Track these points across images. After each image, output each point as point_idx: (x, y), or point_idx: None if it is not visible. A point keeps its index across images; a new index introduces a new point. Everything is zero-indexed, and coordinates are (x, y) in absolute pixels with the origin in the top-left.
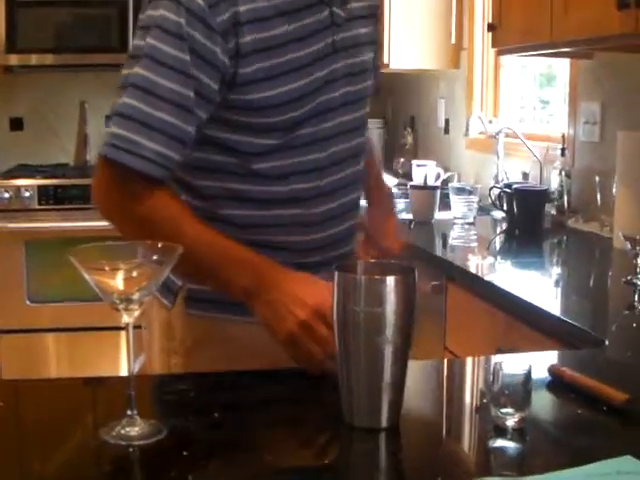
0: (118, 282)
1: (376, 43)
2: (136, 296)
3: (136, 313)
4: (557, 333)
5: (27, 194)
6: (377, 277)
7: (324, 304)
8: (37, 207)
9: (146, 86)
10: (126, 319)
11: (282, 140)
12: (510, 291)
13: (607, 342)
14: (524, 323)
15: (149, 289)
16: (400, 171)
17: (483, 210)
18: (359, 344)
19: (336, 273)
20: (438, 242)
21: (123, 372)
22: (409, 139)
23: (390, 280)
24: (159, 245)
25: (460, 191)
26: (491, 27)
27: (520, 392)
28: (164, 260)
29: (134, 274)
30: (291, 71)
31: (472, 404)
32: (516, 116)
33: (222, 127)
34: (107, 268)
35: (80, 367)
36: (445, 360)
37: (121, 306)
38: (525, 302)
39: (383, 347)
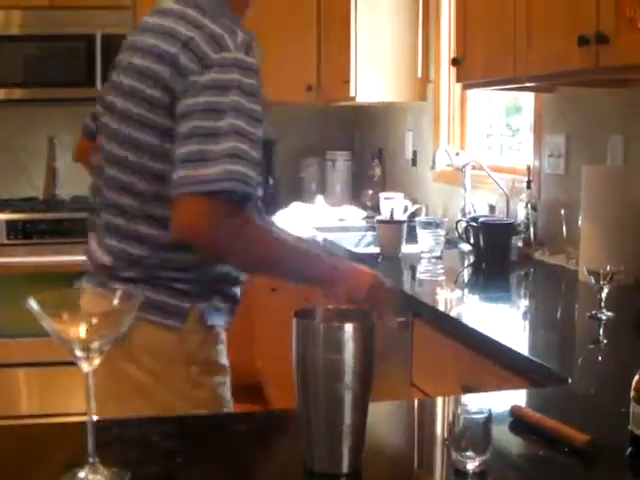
0: (78, 330)
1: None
2: (96, 345)
3: (96, 361)
4: (523, 370)
5: None
6: (335, 324)
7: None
8: (6, 242)
9: (243, 133)
10: (85, 368)
11: None
12: (476, 328)
13: (571, 380)
14: (490, 360)
15: (110, 337)
16: (368, 204)
17: (451, 243)
18: (319, 390)
19: (295, 320)
20: (405, 277)
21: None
22: (377, 171)
23: (348, 327)
24: (119, 292)
25: (427, 225)
26: (455, 62)
27: (480, 435)
28: (125, 308)
29: (94, 321)
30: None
31: (434, 447)
32: (484, 145)
33: None
34: (66, 316)
35: (51, 402)
36: (408, 402)
37: (81, 354)
38: (491, 340)
39: (343, 393)
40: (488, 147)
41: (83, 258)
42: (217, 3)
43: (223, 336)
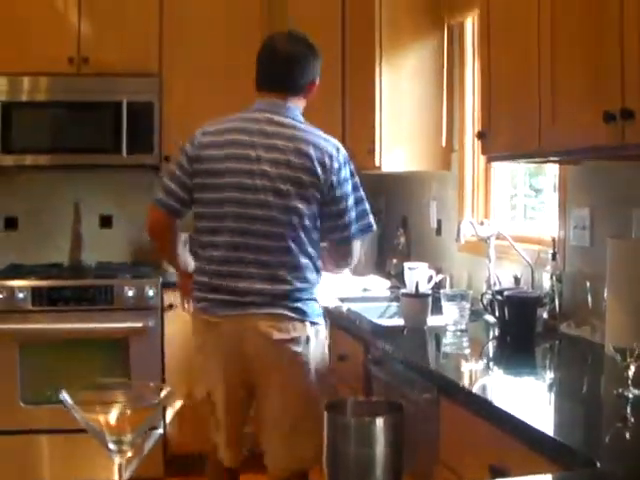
0: (109, 420)
1: None
2: (128, 437)
3: (129, 454)
4: (550, 450)
5: (21, 295)
6: (367, 419)
7: None
8: (31, 308)
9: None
10: (117, 461)
11: None
12: (502, 407)
13: (599, 464)
14: (517, 439)
15: (142, 430)
16: (392, 272)
17: (476, 314)
18: None
19: (326, 414)
20: (430, 350)
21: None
22: (402, 239)
23: (379, 421)
24: (152, 385)
25: (452, 297)
26: (481, 135)
27: None
28: (160, 402)
29: (128, 413)
30: None
31: None
32: (508, 207)
33: None
34: (98, 406)
35: (74, 469)
36: None
37: (113, 447)
38: (517, 419)
39: None
40: (512, 206)
41: (107, 325)
42: None
43: None
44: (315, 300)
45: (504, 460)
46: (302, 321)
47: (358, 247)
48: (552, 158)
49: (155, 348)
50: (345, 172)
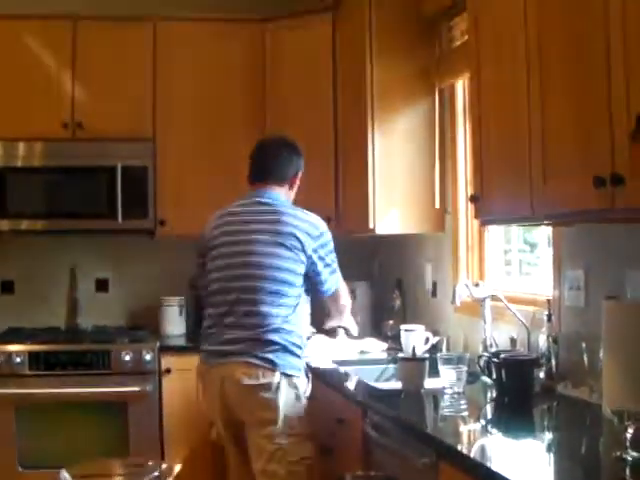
0: None
1: None
2: None
3: None
4: None
5: (18, 359)
6: None
7: None
8: (28, 372)
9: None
10: None
11: None
12: (501, 473)
13: None
14: None
15: None
16: (389, 334)
17: (473, 375)
18: None
19: None
20: (428, 413)
21: None
22: (397, 302)
23: None
24: (151, 463)
25: (449, 360)
26: (473, 199)
27: None
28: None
29: None
30: None
31: None
32: (503, 269)
33: None
34: None
35: None
36: None
37: None
38: None
39: None
40: (507, 262)
41: (105, 389)
42: None
43: None
44: (293, 354)
45: None
46: (272, 370)
47: (342, 293)
48: (544, 222)
49: (153, 412)
50: (325, 238)
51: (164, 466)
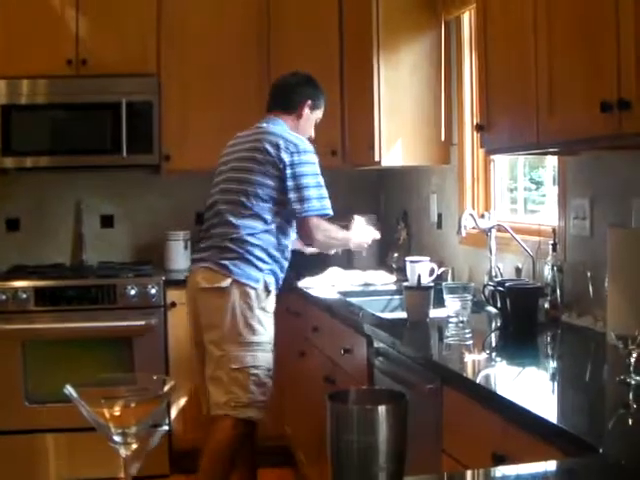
0: (114, 412)
1: None
2: (133, 430)
3: (133, 446)
4: (553, 438)
5: (24, 296)
6: (369, 407)
7: None
8: (34, 308)
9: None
10: (123, 453)
11: None
12: (505, 396)
13: (601, 450)
14: (520, 427)
15: (147, 423)
16: (394, 266)
17: (478, 305)
18: (353, 472)
19: (328, 403)
20: (433, 342)
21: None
22: (402, 234)
23: (382, 409)
24: (155, 378)
25: (454, 290)
26: (479, 128)
27: None
28: (164, 395)
29: (132, 405)
30: None
31: None
32: (508, 207)
33: None
34: (103, 400)
35: (79, 467)
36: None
37: (119, 439)
38: (520, 407)
39: (377, 474)
40: (512, 200)
41: (111, 323)
42: None
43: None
44: (252, 265)
45: (507, 448)
46: (225, 276)
47: (317, 226)
48: (551, 150)
49: (159, 346)
50: (304, 157)
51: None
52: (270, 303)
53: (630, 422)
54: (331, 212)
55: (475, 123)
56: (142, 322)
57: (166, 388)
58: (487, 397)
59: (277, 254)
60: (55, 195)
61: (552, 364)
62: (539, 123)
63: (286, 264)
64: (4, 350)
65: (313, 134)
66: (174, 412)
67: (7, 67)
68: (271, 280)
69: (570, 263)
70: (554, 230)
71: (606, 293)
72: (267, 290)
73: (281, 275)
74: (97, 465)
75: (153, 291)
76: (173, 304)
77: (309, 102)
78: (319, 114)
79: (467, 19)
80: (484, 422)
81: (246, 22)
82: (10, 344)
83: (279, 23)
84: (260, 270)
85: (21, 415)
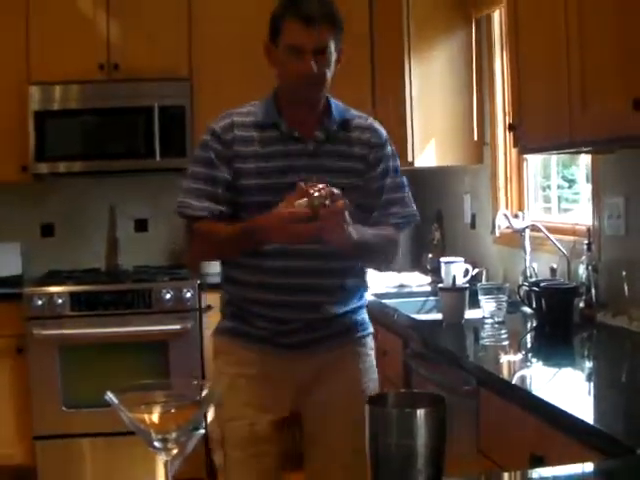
0: (154, 418)
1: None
2: (173, 435)
3: (174, 452)
4: (590, 438)
5: (59, 301)
6: (408, 410)
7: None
8: (69, 313)
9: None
10: (164, 458)
11: None
12: (542, 397)
13: (639, 451)
14: (557, 428)
15: (187, 429)
16: (429, 267)
17: (513, 305)
18: (392, 475)
19: (367, 406)
20: (469, 343)
21: (159, 477)
22: (436, 235)
23: (420, 413)
24: (196, 382)
25: (489, 290)
26: (511, 127)
27: None
28: (203, 400)
29: (172, 411)
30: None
31: None
32: (541, 206)
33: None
34: (143, 405)
35: (116, 472)
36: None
37: (159, 445)
38: (557, 408)
39: (416, 478)
40: (545, 198)
41: (146, 328)
42: None
43: None
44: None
45: (544, 449)
46: None
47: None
48: (584, 148)
49: (194, 350)
50: None
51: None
52: None
53: None
54: (188, 211)
55: (507, 122)
56: (178, 326)
57: (204, 393)
58: (524, 398)
59: None
60: (89, 200)
61: (588, 364)
62: (572, 121)
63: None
64: (41, 355)
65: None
66: (210, 415)
67: (40, 73)
68: None
69: (605, 262)
70: (588, 230)
71: None
72: None
73: None
74: (134, 469)
75: (188, 295)
76: (209, 307)
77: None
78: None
79: (497, 17)
80: (521, 423)
81: None
82: (47, 349)
83: None
84: None
85: (59, 420)
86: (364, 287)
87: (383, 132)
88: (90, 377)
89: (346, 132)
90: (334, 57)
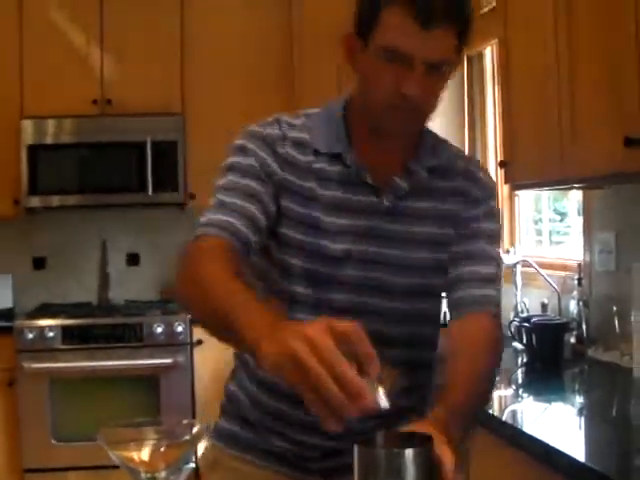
0: (144, 457)
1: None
2: (163, 474)
3: None
4: (580, 476)
5: (51, 334)
6: (395, 450)
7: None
8: (61, 347)
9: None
10: None
11: None
12: (534, 435)
13: None
14: (547, 465)
15: (176, 467)
16: None
17: (504, 341)
18: None
19: (356, 447)
20: None
21: None
22: None
23: (409, 453)
24: (185, 422)
25: None
26: (503, 164)
27: None
28: (193, 439)
29: (162, 449)
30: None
31: None
32: (533, 239)
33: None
34: (132, 443)
35: None
36: None
37: None
38: (548, 445)
39: None
40: (537, 231)
41: (137, 362)
42: None
43: None
44: None
45: None
46: None
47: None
48: (575, 185)
49: (185, 383)
50: None
51: (197, 428)
52: None
53: None
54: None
55: (499, 159)
56: (169, 360)
57: (194, 431)
58: (515, 436)
59: None
60: (81, 233)
61: (579, 400)
62: (563, 158)
63: None
64: (32, 388)
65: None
66: (201, 450)
67: (34, 107)
68: None
69: (596, 297)
70: (579, 265)
71: (632, 327)
72: None
73: None
74: None
75: (180, 329)
76: (200, 341)
77: None
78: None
79: (489, 54)
80: (513, 461)
81: (272, 60)
82: (38, 382)
83: (305, 58)
84: None
85: (49, 453)
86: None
87: (490, 183)
88: (80, 410)
89: (439, 180)
90: (450, 75)
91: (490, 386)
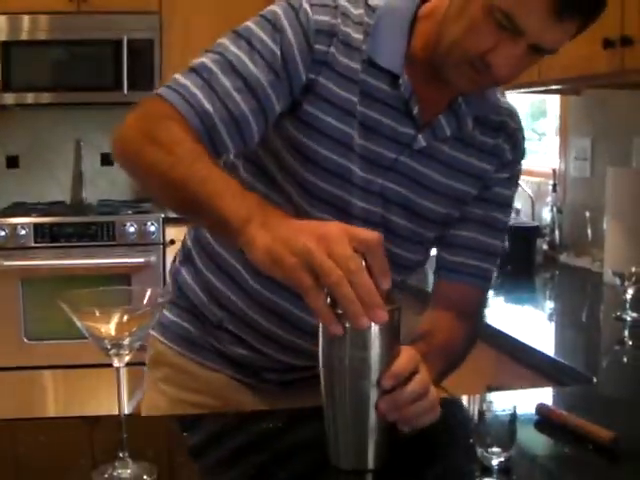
0: (109, 327)
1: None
2: (126, 341)
3: (126, 358)
4: (548, 371)
5: (23, 232)
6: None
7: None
8: (33, 245)
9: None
10: (116, 363)
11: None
12: (501, 329)
13: (595, 379)
14: (515, 361)
15: (139, 335)
16: None
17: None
18: (345, 388)
19: (321, 324)
20: (430, 277)
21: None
22: None
23: (374, 325)
24: (149, 291)
25: None
26: None
27: (505, 432)
28: (155, 306)
29: (125, 319)
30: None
31: (459, 444)
32: None
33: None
34: (98, 313)
35: (77, 404)
36: None
37: (112, 351)
38: (516, 340)
39: (369, 390)
40: None
41: (110, 260)
42: None
43: None
44: None
45: (502, 381)
46: None
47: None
48: (553, 87)
49: (157, 283)
50: None
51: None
52: None
53: (625, 356)
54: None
55: None
56: (141, 259)
57: (159, 300)
58: (484, 331)
59: None
60: (55, 132)
61: (549, 302)
62: (542, 61)
63: None
64: (3, 287)
65: None
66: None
67: (7, 3)
68: None
69: (569, 204)
70: (554, 171)
71: (604, 233)
72: None
73: None
74: (95, 401)
75: (152, 228)
76: (172, 241)
77: None
78: None
79: None
80: (479, 356)
81: None
82: (9, 281)
83: None
84: None
85: (20, 352)
86: None
87: (523, 143)
88: (52, 309)
89: (482, 133)
90: None
91: (462, 359)
